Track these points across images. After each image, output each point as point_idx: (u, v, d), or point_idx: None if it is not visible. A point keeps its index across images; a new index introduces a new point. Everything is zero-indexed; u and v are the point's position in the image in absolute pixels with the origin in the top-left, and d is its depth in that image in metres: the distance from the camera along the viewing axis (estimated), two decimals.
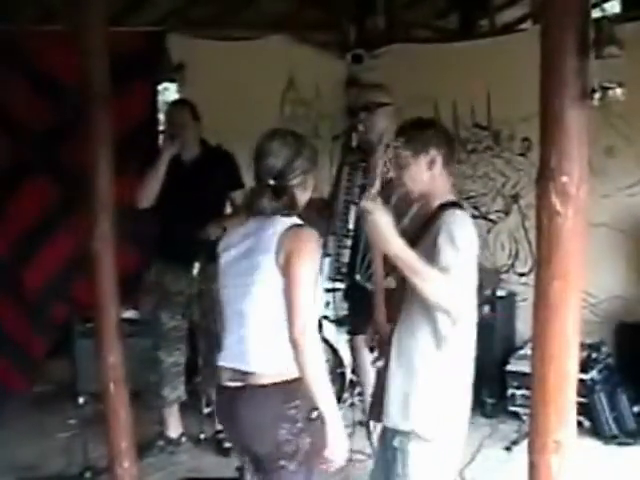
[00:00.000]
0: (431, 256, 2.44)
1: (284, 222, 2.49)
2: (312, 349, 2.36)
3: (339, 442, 2.42)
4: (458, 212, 2.55)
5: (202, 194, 4.27)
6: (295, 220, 2.51)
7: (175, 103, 4.74)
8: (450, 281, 2.39)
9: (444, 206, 2.57)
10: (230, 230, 2.69)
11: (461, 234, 2.46)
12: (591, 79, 2.03)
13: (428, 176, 2.60)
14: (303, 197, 2.59)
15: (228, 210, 4.53)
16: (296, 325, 2.35)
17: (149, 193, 4.25)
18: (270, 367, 2.45)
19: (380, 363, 2.83)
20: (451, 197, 2.63)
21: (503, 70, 5.03)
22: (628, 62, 3.06)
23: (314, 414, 2.40)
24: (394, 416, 2.64)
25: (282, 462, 2.45)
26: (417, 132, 2.66)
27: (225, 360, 2.58)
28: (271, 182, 2.53)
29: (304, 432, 2.43)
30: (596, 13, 2.19)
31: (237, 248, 2.57)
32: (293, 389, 2.41)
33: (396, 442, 2.62)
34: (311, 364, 2.35)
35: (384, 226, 2.37)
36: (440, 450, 2.60)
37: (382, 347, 2.87)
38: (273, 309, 2.44)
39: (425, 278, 2.38)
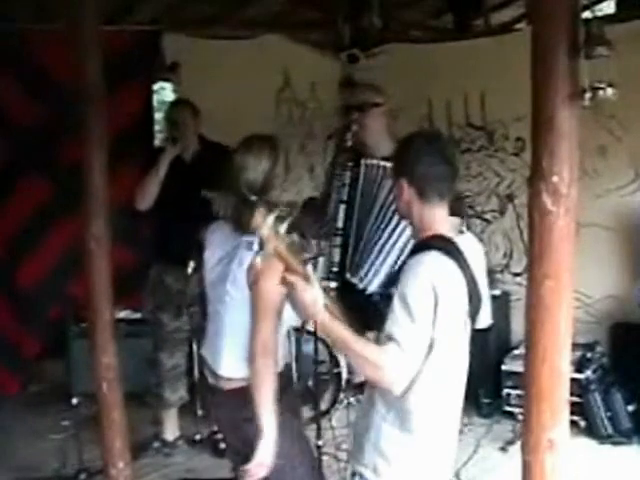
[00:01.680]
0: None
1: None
2: (264, 369, 2.44)
3: (265, 456, 2.45)
4: (427, 257, 2.22)
5: (202, 191, 4.26)
6: None
7: (175, 103, 4.74)
8: (392, 352, 2.11)
9: (427, 241, 2.30)
10: (216, 227, 2.72)
11: (415, 291, 2.15)
12: (582, 79, 2.04)
13: (404, 204, 2.35)
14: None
15: None
16: (256, 343, 2.44)
17: (148, 195, 4.25)
18: (237, 372, 2.54)
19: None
20: (437, 230, 2.31)
21: (497, 70, 5.04)
22: (621, 62, 3.07)
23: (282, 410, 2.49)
24: (352, 455, 2.46)
25: None
26: (397, 155, 2.44)
27: (204, 351, 2.72)
28: (253, 198, 2.54)
29: (277, 428, 2.48)
30: (587, 14, 2.21)
31: (219, 249, 2.64)
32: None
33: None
34: (260, 381, 2.44)
35: (308, 302, 2.18)
36: None
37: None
38: (244, 318, 2.50)
39: (358, 356, 2.18)
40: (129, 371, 3.69)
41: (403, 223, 3.18)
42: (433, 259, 2.22)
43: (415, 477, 2.32)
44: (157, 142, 5.37)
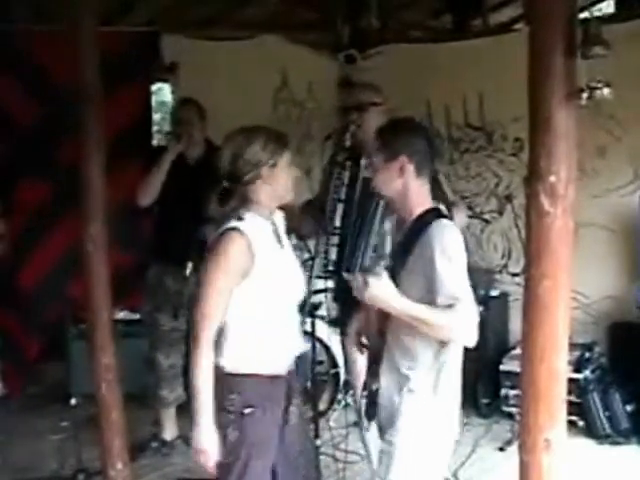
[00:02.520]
0: (424, 271, 2.40)
1: (222, 227, 2.57)
2: (196, 360, 2.48)
3: (198, 444, 2.49)
4: (444, 223, 2.47)
5: (204, 194, 4.25)
6: (230, 224, 2.56)
7: (183, 102, 4.73)
8: (460, 310, 2.35)
9: (427, 215, 2.50)
10: None
11: (456, 252, 2.40)
12: (579, 79, 2.04)
13: (400, 183, 2.51)
14: (269, 189, 2.61)
15: None
16: (195, 311, 2.52)
17: (151, 190, 4.23)
18: (219, 360, 2.55)
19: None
20: (429, 204, 2.54)
21: (496, 70, 5.03)
22: (620, 62, 3.07)
23: (247, 410, 2.52)
24: (383, 421, 2.64)
25: None
26: (390, 136, 2.58)
27: None
28: (225, 185, 2.64)
29: (233, 424, 2.53)
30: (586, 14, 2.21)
31: None
32: (232, 383, 2.53)
33: (384, 443, 2.62)
34: (193, 369, 2.48)
35: (385, 295, 2.37)
36: (423, 460, 2.55)
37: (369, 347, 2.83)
38: None
39: (433, 326, 2.37)
40: (128, 372, 3.70)
41: None
42: (448, 223, 2.46)
43: (441, 435, 2.55)
44: (156, 142, 5.38)
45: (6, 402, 5.02)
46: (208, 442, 2.49)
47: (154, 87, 5.66)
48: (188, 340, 4.42)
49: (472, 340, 2.40)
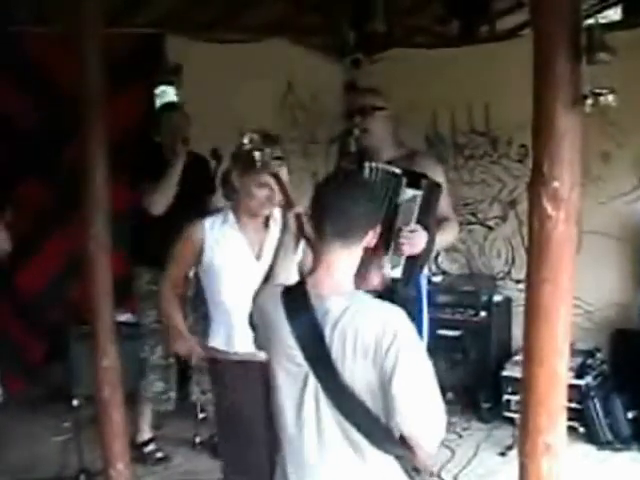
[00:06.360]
0: None
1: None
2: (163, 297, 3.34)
3: (177, 350, 3.38)
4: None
5: (180, 199, 4.22)
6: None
7: (174, 107, 4.71)
8: None
9: None
10: None
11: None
12: (583, 85, 2.04)
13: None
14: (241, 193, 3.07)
15: None
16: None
17: (164, 199, 4.18)
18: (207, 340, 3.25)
19: None
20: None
21: (502, 76, 5.03)
22: (626, 69, 3.07)
23: (219, 367, 3.13)
24: None
25: None
26: (366, 210, 2.12)
27: None
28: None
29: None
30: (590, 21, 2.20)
31: None
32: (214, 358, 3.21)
33: None
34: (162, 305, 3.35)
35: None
36: None
37: None
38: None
39: None
40: (129, 374, 3.70)
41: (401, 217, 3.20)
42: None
43: None
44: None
45: (8, 403, 5.03)
46: (184, 345, 3.25)
47: (158, 90, 5.67)
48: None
49: None
